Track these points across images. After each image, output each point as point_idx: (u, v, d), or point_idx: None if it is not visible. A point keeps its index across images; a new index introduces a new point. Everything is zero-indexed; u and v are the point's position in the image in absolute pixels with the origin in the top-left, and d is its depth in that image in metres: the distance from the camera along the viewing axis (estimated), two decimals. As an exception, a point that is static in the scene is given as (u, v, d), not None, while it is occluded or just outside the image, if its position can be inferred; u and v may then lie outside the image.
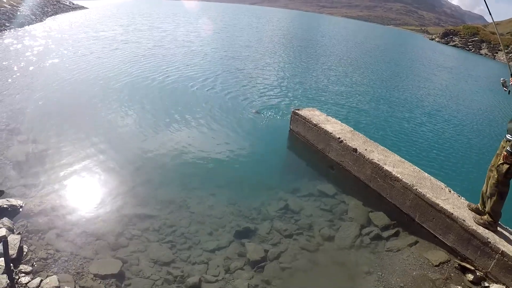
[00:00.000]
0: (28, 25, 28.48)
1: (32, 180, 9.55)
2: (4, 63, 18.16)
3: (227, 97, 17.59)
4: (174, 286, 7.20)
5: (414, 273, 7.60)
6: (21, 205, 8.49)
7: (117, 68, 19.90)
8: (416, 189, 8.80)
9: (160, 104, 15.75)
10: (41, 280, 6.74)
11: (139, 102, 15.65)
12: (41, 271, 7.00)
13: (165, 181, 10.33)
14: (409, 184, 8.98)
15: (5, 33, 23.75)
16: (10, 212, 8.22)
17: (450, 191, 8.82)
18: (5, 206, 8.22)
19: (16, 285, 6.59)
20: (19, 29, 25.34)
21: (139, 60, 22.80)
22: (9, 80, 15.94)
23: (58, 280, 6.74)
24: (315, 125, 12.12)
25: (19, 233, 7.71)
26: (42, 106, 13.93)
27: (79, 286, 6.84)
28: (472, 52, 50.22)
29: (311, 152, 12.42)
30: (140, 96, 16.39)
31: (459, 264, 7.72)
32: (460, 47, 52.40)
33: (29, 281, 6.71)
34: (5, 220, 7.93)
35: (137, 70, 20.34)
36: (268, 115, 15.75)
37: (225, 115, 15.32)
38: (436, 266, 7.77)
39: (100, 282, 7.04)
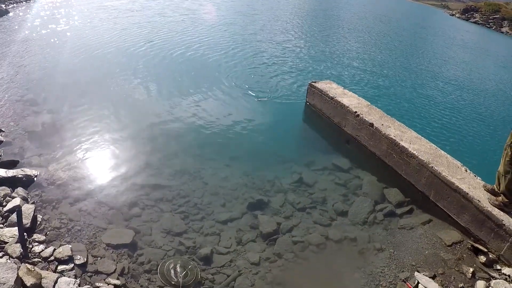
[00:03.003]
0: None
1: (47, 150, 9.63)
2: (19, 35, 18.11)
3: (243, 68, 17.32)
4: (186, 256, 7.27)
5: (426, 252, 7.54)
6: (35, 175, 8.56)
7: (132, 38, 19.69)
8: (432, 166, 8.66)
9: (175, 75, 15.61)
10: (54, 249, 6.82)
11: (154, 73, 15.55)
12: (54, 241, 7.10)
13: (179, 152, 10.34)
14: (425, 161, 8.84)
15: (20, 6, 23.63)
16: (25, 182, 8.30)
17: (466, 170, 8.64)
18: (19, 176, 8.29)
19: (30, 254, 6.67)
20: (33, 1, 25.16)
21: (155, 28, 22.56)
22: (24, 52, 15.88)
23: (71, 250, 6.82)
24: (332, 98, 11.96)
25: (33, 203, 7.80)
26: (57, 77, 13.89)
27: (92, 256, 6.92)
28: (493, 29, 49.26)
29: (327, 125, 12.30)
30: (154, 66, 16.28)
31: (472, 245, 7.62)
32: (481, 24, 51.37)
33: (42, 250, 6.80)
34: (20, 189, 8.02)
35: (153, 39, 20.11)
36: (284, 87, 15.55)
37: (241, 86, 15.14)
38: (448, 246, 7.68)
39: (113, 251, 7.13)
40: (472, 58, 25.72)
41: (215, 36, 22.29)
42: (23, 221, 6.74)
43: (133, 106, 12.68)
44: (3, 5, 21.70)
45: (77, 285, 6.21)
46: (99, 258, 6.87)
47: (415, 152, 9.19)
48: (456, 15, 51.93)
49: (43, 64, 14.88)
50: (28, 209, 7.31)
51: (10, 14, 21.50)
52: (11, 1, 23.20)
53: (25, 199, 7.79)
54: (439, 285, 6.71)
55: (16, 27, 19.39)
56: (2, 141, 9.57)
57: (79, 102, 12.19)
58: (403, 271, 7.09)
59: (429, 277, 6.86)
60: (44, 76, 13.84)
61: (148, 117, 11.95)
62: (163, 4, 29.61)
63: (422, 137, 9.99)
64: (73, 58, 15.93)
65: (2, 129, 10.09)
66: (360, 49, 23.53)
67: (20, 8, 23.06)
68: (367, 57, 22.07)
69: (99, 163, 9.58)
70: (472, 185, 8.08)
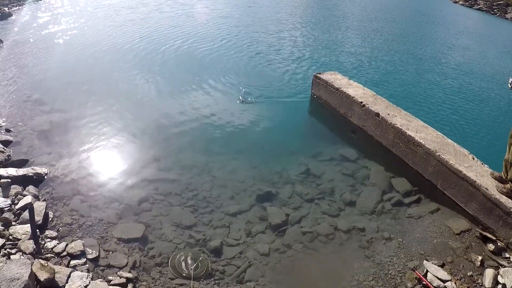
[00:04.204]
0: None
1: (56, 148, 9.76)
2: (24, 36, 18.17)
3: (247, 61, 17.25)
4: (196, 249, 7.36)
5: (434, 240, 7.57)
6: (45, 173, 8.68)
7: (136, 34, 19.65)
8: (439, 155, 8.65)
9: (179, 70, 15.63)
10: (67, 245, 6.94)
11: (159, 68, 15.61)
12: (66, 236, 7.22)
13: (186, 146, 10.41)
14: (432, 150, 8.84)
15: (23, 8, 23.67)
16: (35, 180, 8.42)
17: (473, 158, 8.61)
18: (30, 174, 8.40)
19: (43, 250, 6.80)
20: (35, 2, 25.13)
21: (159, 23, 22.52)
22: (29, 53, 15.95)
23: (83, 245, 6.93)
24: (337, 89, 11.97)
25: (44, 200, 7.93)
26: (63, 76, 14.01)
27: (104, 250, 7.04)
28: (498, 16, 48.88)
29: (333, 116, 12.31)
30: (159, 62, 16.31)
31: (481, 234, 7.63)
32: (485, 10, 50.88)
33: (55, 246, 6.91)
34: (31, 187, 8.14)
35: (157, 35, 20.12)
36: (288, 79, 15.53)
37: (245, 79, 15.14)
38: (457, 234, 7.69)
39: (124, 245, 7.23)
40: (476, 44, 25.56)
41: (218, 30, 22.21)
42: (35, 218, 6.84)
43: (139, 102, 12.75)
44: (6, 8, 21.77)
45: (89, 279, 6.32)
46: (110, 252, 6.99)
47: (421, 141, 9.19)
48: (460, 2, 51.44)
49: (48, 64, 15.00)
50: (39, 206, 7.43)
51: (13, 16, 21.60)
52: (14, 4, 23.25)
53: (36, 197, 7.91)
54: (448, 273, 6.74)
55: (20, 29, 19.48)
56: (11, 141, 9.70)
57: (85, 100, 12.30)
58: (412, 260, 7.14)
59: (438, 266, 6.90)
60: (50, 76, 13.95)
61: (155, 112, 12.04)
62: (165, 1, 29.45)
63: (429, 126, 9.97)
64: (77, 57, 16.03)
65: (11, 129, 10.22)
66: (363, 39, 23.39)
67: (23, 11, 23.13)
68: (370, 46, 21.94)
69: (108, 160, 9.70)
70: (479, 173, 8.06)
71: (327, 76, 12.83)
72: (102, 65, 15.45)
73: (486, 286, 6.60)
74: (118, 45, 17.90)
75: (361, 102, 11.00)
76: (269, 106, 13.08)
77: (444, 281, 6.56)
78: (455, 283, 6.56)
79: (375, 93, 11.61)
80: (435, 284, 6.51)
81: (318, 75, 13.03)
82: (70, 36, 18.80)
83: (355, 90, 11.75)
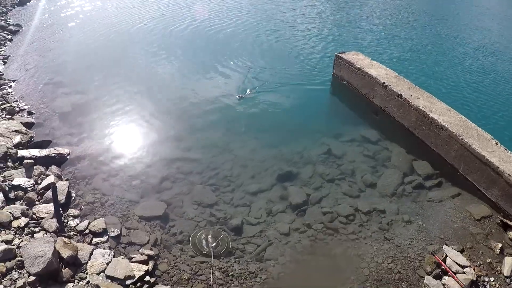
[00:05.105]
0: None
1: (78, 129, 9.90)
2: (43, 21, 18.30)
3: (268, 41, 17.02)
4: (217, 227, 7.42)
5: (455, 225, 7.48)
6: (68, 153, 8.83)
7: (154, 16, 19.53)
8: (462, 139, 8.45)
9: (198, 51, 15.58)
10: (89, 223, 7.07)
11: (178, 49, 15.61)
12: (89, 214, 7.35)
13: (207, 126, 10.45)
14: (455, 133, 8.63)
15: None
16: (58, 160, 8.57)
17: (497, 144, 8.34)
18: (52, 154, 8.55)
19: (65, 228, 6.93)
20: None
21: (177, 4, 22.35)
22: (49, 37, 16.09)
23: (105, 222, 7.06)
24: (359, 69, 11.83)
25: (67, 179, 8.07)
26: (82, 59, 14.14)
27: (125, 228, 7.15)
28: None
29: (354, 97, 12.17)
30: (179, 43, 16.33)
31: (501, 221, 7.49)
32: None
33: (77, 224, 7.06)
34: (53, 168, 8.30)
35: (177, 16, 20.07)
36: (309, 58, 15.34)
37: (267, 59, 15.02)
38: (477, 220, 7.57)
39: (145, 223, 7.34)
40: (500, 25, 24.99)
41: (237, 13, 21.96)
42: (58, 197, 6.98)
43: (159, 83, 12.81)
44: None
45: (112, 256, 6.44)
46: (132, 230, 7.09)
47: (444, 123, 9.00)
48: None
49: (67, 48, 15.15)
50: (62, 186, 7.56)
51: (31, 2, 21.75)
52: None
53: (59, 177, 8.05)
54: (467, 259, 6.65)
55: (39, 14, 19.58)
56: (33, 123, 9.87)
57: (105, 82, 12.44)
58: (431, 244, 7.07)
59: (458, 251, 6.81)
60: (70, 59, 14.09)
61: (175, 93, 12.10)
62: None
63: (452, 109, 9.75)
64: (96, 40, 16.13)
65: (33, 111, 10.39)
66: (384, 18, 22.96)
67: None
68: (393, 27, 21.46)
69: (129, 139, 9.81)
70: (502, 159, 7.84)
71: (349, 56, 12.68)
72: (121, 47, 15.55)
73: (504, 274, 6.50)
74: (134, 26, 17.89)
75: (384, 83, 10.88)
76: (289, 86, 12.97)
77: (463, 267, 6.47)
78: (474, 269, 6.47)
79: (397, 74, 11.43)
80: (454, 269, 6.44)
81: (339, 55, 12.87)
82: (87, 19, 18.88)
83: (378, 70, 11.61)
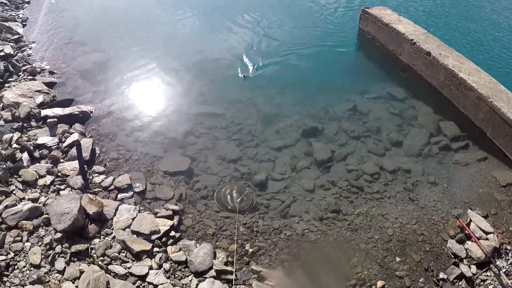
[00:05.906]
0: None
1: (100, 87, 9.88)
2: None
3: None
4: (241, 182, 7.42)
5: (480, 190, 7.30)
6: (91, 110, 8.85)
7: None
8: (492, 101, 8.09)
9: (221, 7, 15.16)
10: (114, 179, 7.14)
11: (198, 7, 15.14)
12: (113, 171, 7.41)
13: (230, 81, 10.34)
14: (484, 95, 8.26)
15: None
16: (81, 118, 8.60)
17: None
18: (76, 112, 8.58)
19: (91, 185, 7.01)
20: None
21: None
22: None
23: (130, 178, 7.11)
24: (387, 24, 11.47)
25: (91, 137, 8.10)
26: (101, 19, 13.94)
27: (150, 183, 7.19)
28: None
29: (381, 53, 11.83)
30: (198, 1, 15.85)
31: (527, 188, 7.28)
32: None
33: (102, 180, 7.13)
34: (77, 125, 8.34)
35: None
36: (334, 12, 14.85)
37: (291, 13, 14.60)
38: (503, 186, 7.36)
39: (170, 179, 7.37)
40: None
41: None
42: (83, 154, 7.01)
43: (180, 40, 12.63)
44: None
45: (137, 211, 6.52)
46: (157, 186, 7.14)
47: (474, 84, 8.63)
48: None
49: (87, 7, 14.93)
50: (86, 143, 7.61)
51: None
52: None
53: (83, 134, 8.10)
54: (490, 225, 6.50)
55: None
56: (55, 83, 9.87)
57: (126, 40, 12.29)
58: (455, 208, 6.94)
59: (482, 216, 6.67)
60: (89, 18, 13.92)
61: (196, 49, 11.90)
62: None
63: (482, 70, 9.36)
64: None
65: (55, 71, 10.36)
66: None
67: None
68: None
69: (152, 95, 9.77)
70: None
71: (376, 11, 12.27)
72: (139, 6, 15.23)
73: (527, 243, 6.35)
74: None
75: (412, 39, 10.54)
76: (315, 40, 12.60)
77: (486, 233, 6.33)
78: (497, 236, 6.38)
79: (426, 31, 11.00)
80: (477, 235, 6.29)
81: (366, 9, 12.47)
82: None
83: (405, 26, 11.24)
